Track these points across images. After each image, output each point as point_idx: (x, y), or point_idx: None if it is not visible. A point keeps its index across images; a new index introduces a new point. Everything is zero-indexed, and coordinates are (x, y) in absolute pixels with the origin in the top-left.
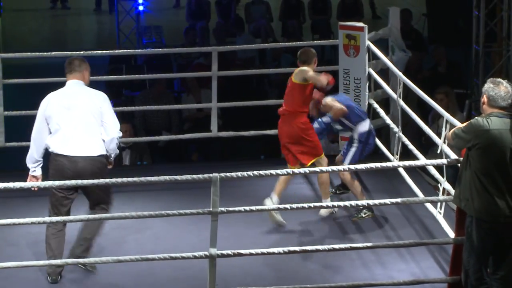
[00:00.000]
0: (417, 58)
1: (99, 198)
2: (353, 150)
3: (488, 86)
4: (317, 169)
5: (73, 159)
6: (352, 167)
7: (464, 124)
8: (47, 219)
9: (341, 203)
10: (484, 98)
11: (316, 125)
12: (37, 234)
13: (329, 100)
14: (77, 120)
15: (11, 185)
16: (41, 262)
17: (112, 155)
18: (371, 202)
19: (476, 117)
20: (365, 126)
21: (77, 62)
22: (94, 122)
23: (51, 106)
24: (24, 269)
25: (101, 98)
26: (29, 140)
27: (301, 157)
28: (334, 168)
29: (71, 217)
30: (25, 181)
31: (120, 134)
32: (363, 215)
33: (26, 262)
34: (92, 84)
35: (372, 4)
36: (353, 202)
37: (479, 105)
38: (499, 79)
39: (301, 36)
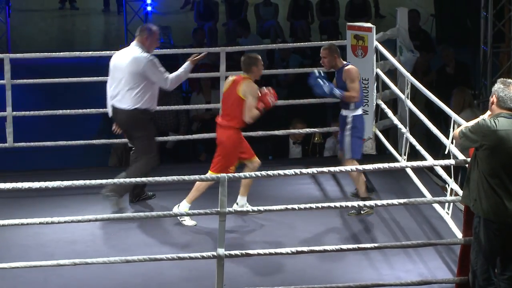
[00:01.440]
0: (425, 59)
1: (139, 148)
2: (348, 140)
3: (498, 87)
4: (325, 169)
5: (114, 109)
6: (360, 167)
7: (472, 123)
8: (55, 219)
9: (349, 203)
10: (494, 98)
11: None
12: (45, 235)
13: (356, 75)
14: (118, 76)
15: (19, 185)
16: (49, 262)
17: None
18: (378, 202)
19: (483, 118)
20: (359, 110)
21: (140, 28)
22: (131, 81)
23: (111, 62)
24: (32, 270)
25: (142, 63)
26: (36, 141)
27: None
28: (348, 168)
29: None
30: (34, 181)
31: (167, 85)
32: (362, 212)
33: (34, 263)
34: (101, 84)
35: (376, 3)
36: (360, 202)
37: (487, 105)
38: (510, 80)
39: (309, 36)
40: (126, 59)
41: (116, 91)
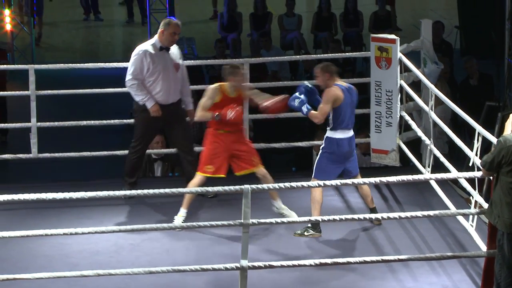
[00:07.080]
0: (447, 71)
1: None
2: (316, 159)
3: None
4: (348, 181)
5: None
6: (384, 179)
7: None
8: (79, 230)
9: (373, 215)
10: None
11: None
12: (69, 245)
13: (329, 97)
14: None
15: (43, 196)
16: (73, 273)
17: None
18: (402, 214)
19: (501, 136)
20: (334, 134)
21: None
22: None
23: None
24: (56, 280)
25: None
26: (61, 152)
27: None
28: (372, 180)
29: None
30: (58, 192)
31: (127, 83)
32: (306, 233)
33: (58, 273)
34: (123, 96)
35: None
36: (384, 214)
37: None
38: None
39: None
40: None
41: None
